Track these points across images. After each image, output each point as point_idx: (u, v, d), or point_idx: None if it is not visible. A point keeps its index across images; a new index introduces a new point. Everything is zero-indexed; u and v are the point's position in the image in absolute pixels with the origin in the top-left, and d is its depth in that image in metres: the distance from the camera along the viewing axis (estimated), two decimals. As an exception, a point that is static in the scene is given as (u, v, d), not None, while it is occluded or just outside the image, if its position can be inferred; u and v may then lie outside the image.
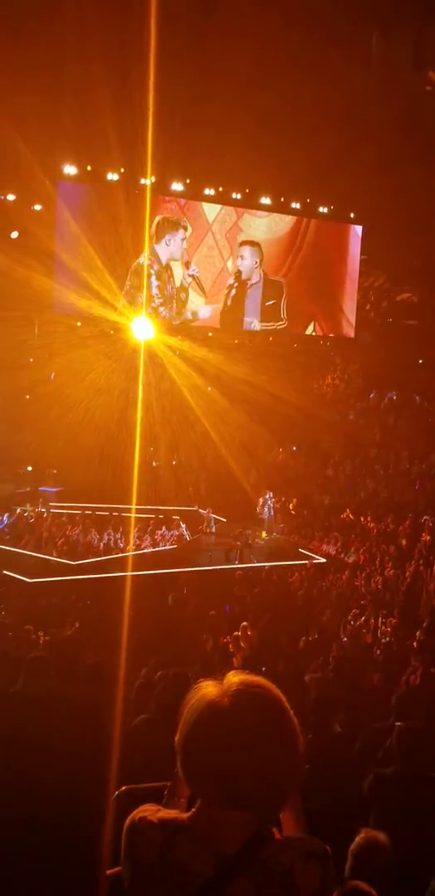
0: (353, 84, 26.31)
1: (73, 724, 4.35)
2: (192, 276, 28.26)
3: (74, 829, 3.30)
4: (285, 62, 25.00)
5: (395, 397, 27.78)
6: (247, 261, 29.29)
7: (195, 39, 24.46)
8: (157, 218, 27.69)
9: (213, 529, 23.00)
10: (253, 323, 30.00)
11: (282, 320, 30.28)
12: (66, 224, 26.61)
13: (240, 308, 29.69)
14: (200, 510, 24.34)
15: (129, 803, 1.90)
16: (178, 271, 28.45)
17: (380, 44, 27.60)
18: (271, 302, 29.90)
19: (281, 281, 29.98)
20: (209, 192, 28.81)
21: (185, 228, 28.13)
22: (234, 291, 29.32)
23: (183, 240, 28.06)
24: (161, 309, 28.23)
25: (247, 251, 29.32)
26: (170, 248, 27.90)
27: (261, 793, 1.69)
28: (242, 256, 29.25)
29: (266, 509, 23.26)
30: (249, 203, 29.37)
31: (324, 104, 25.47)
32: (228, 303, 29.34)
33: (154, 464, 27.56)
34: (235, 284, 29.28)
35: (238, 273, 29.23)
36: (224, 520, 23.92)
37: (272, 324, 30.29)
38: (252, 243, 29.39)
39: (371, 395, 28.99)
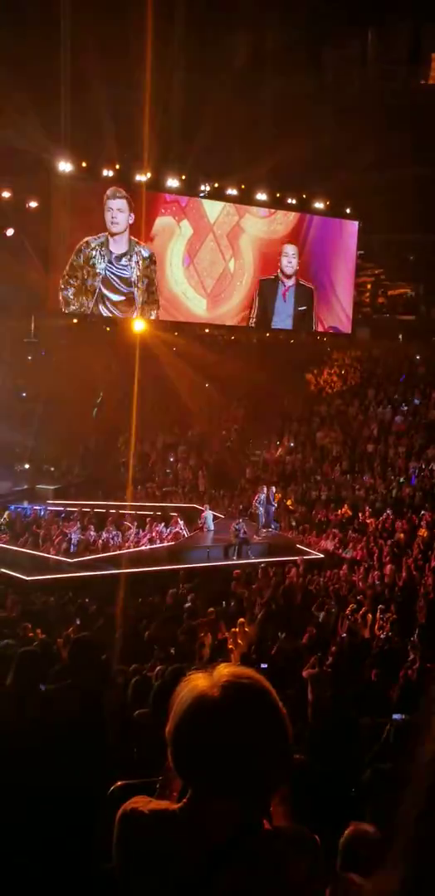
0: (349, 80, 26.35)
1: (68, 720, 4.34)
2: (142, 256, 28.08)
3: (69, 826, 3.30)
4: (281, 58, 25.02)
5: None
6: (293, 260, 29.56)
7: (191, 36, 24.50)
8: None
9: (212, 528, 22.96)
10: (285, 322, 30.32)
11: (312, 330, 30.74)
12: (61, 220, 26.60)
13: (271, 307, 30.01)
14: (199, 507, 24.34)
15: (124, 799, 1.91)
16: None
17: (375, 40, 27.63)
18: (303, 308, 30.13)
19: (311, 287, 30.19)
20: (205, 188, 28.80)
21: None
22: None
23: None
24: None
25: (290, 249, 29.72)
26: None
27: (250, 782, 1.70)
28: (285, 254, 29.46)
29: (263, 505, 23.25)
30: (245, 199, 29.35)
31: (319, 100, 25.51)
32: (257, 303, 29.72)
33: (171, 459, 27.67)
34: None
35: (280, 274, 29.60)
36: (222, 516, 23.91)
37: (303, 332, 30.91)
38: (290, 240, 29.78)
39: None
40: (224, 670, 1.77)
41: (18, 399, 27.42)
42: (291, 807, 1.98)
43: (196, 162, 27.32)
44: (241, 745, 1.68)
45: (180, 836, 1.71)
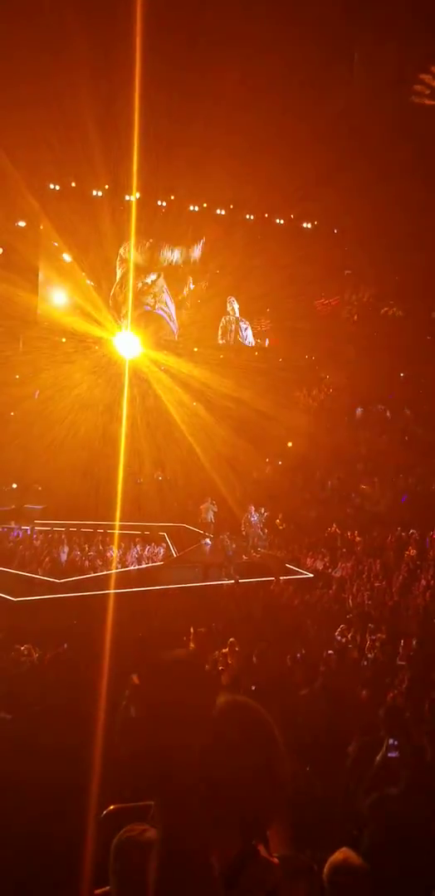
0: (337, 102, 26.51)
1: (59, 741, 4.29)
2: None
3: (59, 851, 3.25)
4: (269, 81, 25.18)
5: (387, 413, 27.94)
6: None
7: (181, 59, 24.63)
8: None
9: (212, 519, 23.17)
10: None
11: None
12: (51, 240, 26.69)
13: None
14: (187, 526, 24.35)
15: (116, 823, 1.87)
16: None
17: (363, 62, 27.85)
18: None
19: None
20: (194, 208, 28.97)
21: None
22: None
23: None
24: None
25: None
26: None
27: (248, 811, 1.66)
28: None
29: (251, 525, 23.20)
30: (234, 219, 29.61)
31: (308, 122, 25.66)
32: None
33: (159, 477, 27.61)
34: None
35: None
36: (210, 536, 23.82)
37: None
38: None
39: (358, 411, 29.00)
40: (220, 700, 1.74)
41: (6, 417, 27.30)
42: (288, 833, 1.95)
43: (185, 182, 27.50)
44: (237, 774, 1.64)
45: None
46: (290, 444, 26.68)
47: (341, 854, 3.12)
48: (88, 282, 28.08)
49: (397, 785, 4.15)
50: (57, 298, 27.82)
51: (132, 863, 1.72)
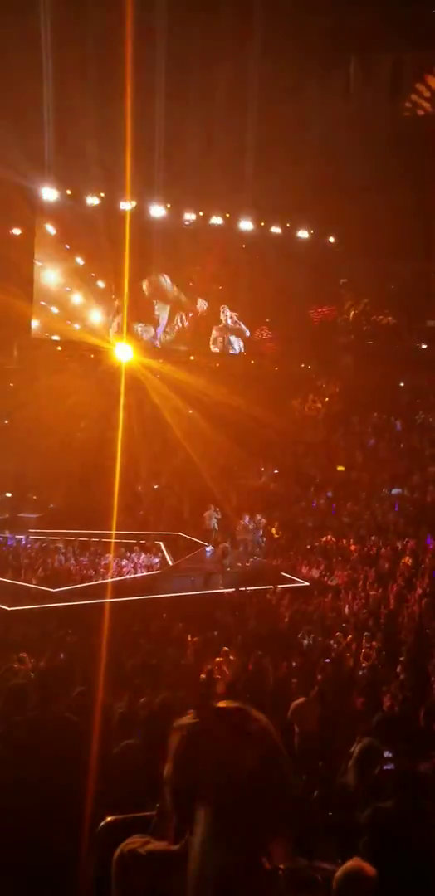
0: (332, 109, 26.61)
1: (53, 753, 4.25)
2: None
3: (56, 866, 3.22)
4: (265, 88, 25.27)
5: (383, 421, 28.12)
6: None
7: (176, 66, 24.68)
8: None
9: (216, 527, 23.15)
10: None
11: None
12: (48, 248, 26.71)
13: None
14: (183, 535, 24.29)
15: (115, 834, 1.85)
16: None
17: (357, 70, 27.97)
18: None
19: None
20: (190, 216, 29.01)
21: None
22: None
23: None
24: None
25: None
26: None
27: (251, 824, 1.64)
28: None
29: (248, 533, 23.16)
30: (230, 228, 29.65)
31: (304, 129, 25.74)
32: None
33: (155, 486, 27.64)
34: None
35: None
36: (207, 544, 23.78)
37: None
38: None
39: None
40: (221, 705, 1.72)
41: (1, 426, 27.24)
42: (290, 844, 1.92)
43: (180, 190, 27.52)
44: (242, 786, 1.62)
45: (179, 878, 1.65)
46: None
47: (355, 864, 3.09)
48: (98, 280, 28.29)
49: (392, 797, 4.12)
50: (52, 307, 27.76)
51: (135, 876, 1.70)
